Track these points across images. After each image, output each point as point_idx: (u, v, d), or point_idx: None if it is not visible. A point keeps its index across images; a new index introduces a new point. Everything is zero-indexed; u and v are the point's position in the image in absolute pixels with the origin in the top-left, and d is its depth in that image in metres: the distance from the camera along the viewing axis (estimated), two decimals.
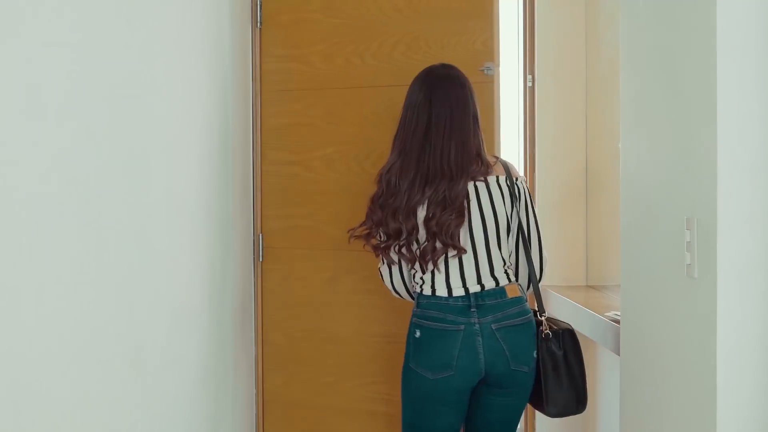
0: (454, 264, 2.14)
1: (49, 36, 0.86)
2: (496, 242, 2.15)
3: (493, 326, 2.09)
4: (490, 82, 2.70)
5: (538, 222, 2.21)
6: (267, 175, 2.89)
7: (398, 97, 2.62)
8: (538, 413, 2.94)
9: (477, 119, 2.20)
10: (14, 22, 0.77)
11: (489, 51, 2.69)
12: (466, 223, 2.13)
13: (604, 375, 2.78)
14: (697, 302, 1.40)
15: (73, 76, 0.92)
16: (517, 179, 2.19)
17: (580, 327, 2.47)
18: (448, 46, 2.72)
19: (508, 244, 2.18)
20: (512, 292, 2.14)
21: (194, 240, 1.63)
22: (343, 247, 2.85)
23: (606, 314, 2.24)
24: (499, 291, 2.11)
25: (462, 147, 2.15)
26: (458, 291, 2.12)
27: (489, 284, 2.11)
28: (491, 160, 2.21)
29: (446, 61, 2.45)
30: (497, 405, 2.15)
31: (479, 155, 2.16)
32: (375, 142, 2.80)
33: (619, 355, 1.84)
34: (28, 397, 0.79)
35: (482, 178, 2.15)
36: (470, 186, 2.14)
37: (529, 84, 2.94)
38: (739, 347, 1.34)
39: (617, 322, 2.05)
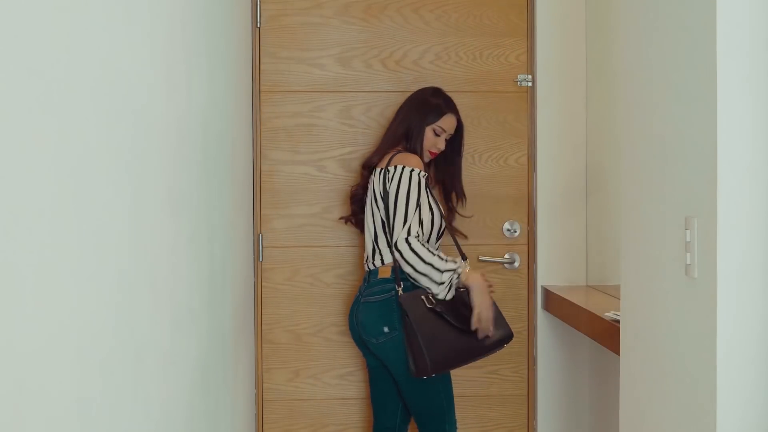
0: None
1: (47, 34, 0.86)
2: (373, 225, 2.54)
3: (361, 300, 2.54)
4: (524, 92, 2.95)
5: (402, 206, 2.44)
6: (269, 175, 2.90)
7: None
8: (539, 416, 2.94)
9: (399, 126, 2.62)
10: (13, 19, 0.77)
11: (523, 64, 2.85)
12: (368, 207, 2.57)
13: (604, 375, 2.78)
14: (697, 302, 1.40)
15: (71, 75, 0.92)
16: (392, 168, 2.50)
17: (580, 327, 2.48)
18: (481, 57, 2.94)
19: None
20: (383, 274, 2.51)
21: (194, 240, 1.63)
22: (358, 243, 2.89)
23: (606, 314, 2.24)
24: (374, 271, 2.53)
25: (383, 144, 2.63)
26: (365, 267, 2.59)
27: (370, 265, 2.56)
28: (397, 156, 2.55)
29: (480, 72, 2.93)
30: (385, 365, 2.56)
31: (388, 152, 2.59)
32: None
33: (619, 355, 1.85)
34: (27, 398, 0.79)
35: (376, 168, 2.57)
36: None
37: (529, 84, 2.95)
38: (738, 347, 1.34)
39: (617, 322, 2.05)
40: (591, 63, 2.91)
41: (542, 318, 2.93)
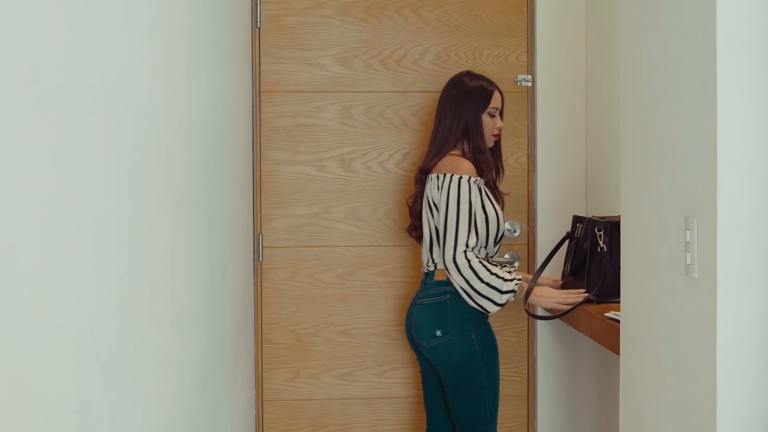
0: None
1: (47, 34, 0.86)
2: (428, 232, 2.50)
3: (417, 301, 2.52)
4: (524, 92, 2.95)
5: (452, 219, 2.39)
6: (269, 175, 2.90)
7: (425, 102, 2.77)
8: (539, 416, 2.94)
9: (454, 123, 2.52)
10: (13, 19, 0.77)
11: (523, 64, 2.85)
12: (423, 213, 2.53)
13: (604, 375, 2.78)
14: (697, 302, 1.40)
15: (71, 75, 0.92)
16: (441, 176, 2.45)
17: (580, 327, 2.48)
18: (481, 57, 2.96)
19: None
20: (440, 276, 2.47)
21: (194, 240, 1.63)
22: (358, 243, 2.90)
23: (606, 314, 2.24)
24: (431, 273, 2.50)
25: (436, 147, 2.54)
26: (422, 270, 2.56)
27: (427, 267, 2.51)
28: (445, 159, 2.50)
29: (480, 71, 2.78)
30: (436, 370, 2.53)
31: (441, 154, 2.51)
32: (399, 143, 2.90)
33: (619, 355, 1.85)
34: (26, 397, 0.79)
35: (430, 175, 2.50)
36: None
37: (529, 84, 2.95)
38: (738, 347, 1.34)
39: (617, 322, 2.05)
40: (591, 63, 2.91)
41: None
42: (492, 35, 2.93)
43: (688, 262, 1.42)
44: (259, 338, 2.92)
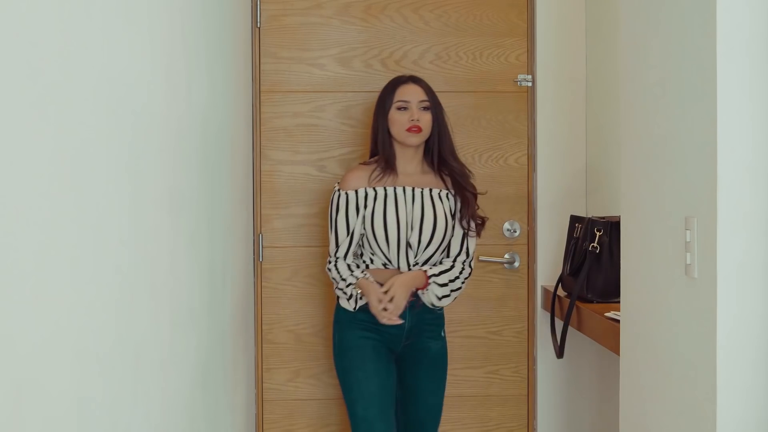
0: None
1: (47, 34, 0.86)
2: None
3: None
4: (524, 92, 2.95)
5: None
6: (269, 175, 2.90)
7: None
8: (539, 416, 2.94)
9: (375, 130, 2.48)
10: (13, 19, 0.77)
11: (523, 64, 2.85)
12: None
13: (604, 375, 2.78)
14: (697, 302, 1.40)
15: (71, 75, 0.92)
16: None
17: (581, 327, 2.48)
18: (481, 57, 2.94)
19: None
20: None
21: (194, 240, 1.63)
22: None
23: (606, 314, 2.24)
24: None
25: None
26: None
27: None
28: None
29: (480, 71, 2.89)
30: None
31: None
32: None
33: (619, 355, 1.85)
34: (27, 397, 0.79)
35: None
36: None
37: (529, 84, 2.95)
38: (738, 347, 1.34)
39: (617, 322, 2.05)
40: (591, 63, 2.91)
41: (542, 318, 2.93)
42: (492, 35, 2.93)
43: (688, 262, 1.42)
44: (259, 338, 2.92)
